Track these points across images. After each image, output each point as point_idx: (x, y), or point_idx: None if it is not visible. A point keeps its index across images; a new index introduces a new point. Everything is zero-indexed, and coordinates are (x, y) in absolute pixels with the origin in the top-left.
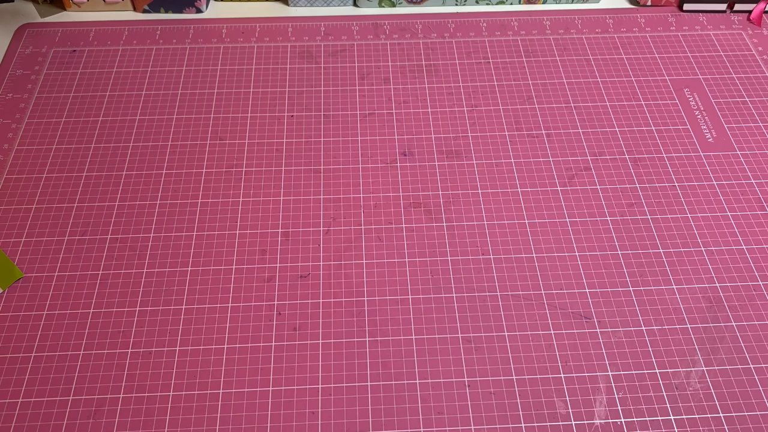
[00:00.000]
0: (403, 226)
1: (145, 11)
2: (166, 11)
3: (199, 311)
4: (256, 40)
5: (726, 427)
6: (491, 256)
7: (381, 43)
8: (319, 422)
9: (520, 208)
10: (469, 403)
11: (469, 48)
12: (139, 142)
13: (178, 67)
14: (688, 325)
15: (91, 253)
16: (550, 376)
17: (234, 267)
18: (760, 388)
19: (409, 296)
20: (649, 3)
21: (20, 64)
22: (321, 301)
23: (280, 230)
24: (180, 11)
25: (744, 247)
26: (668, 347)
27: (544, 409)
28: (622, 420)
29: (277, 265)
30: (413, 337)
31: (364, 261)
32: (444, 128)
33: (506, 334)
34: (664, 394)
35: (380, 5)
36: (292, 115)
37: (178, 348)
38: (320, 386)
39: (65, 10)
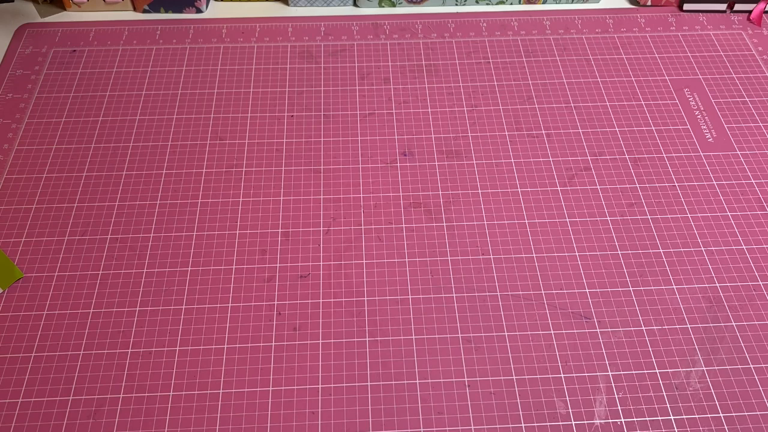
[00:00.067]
0: (403, 226)
1: (145, 11)
2: (166, 11)
3: (199, 311)
4: (256, 40)
5: (726, 427)
6: (491, 256)
7: (381, 43)
8: (319, 422)
9: (520, 208)
10: (469, 403)
11: (469, 48)
12: (139, 142)
13: (178, 67)
14: (688, 325)
15: (91, 253)
16: (550, 376)
17: (234, 267)
18: (760, 388)
19: (409, 296)
20: (649, 3)
21: (20, 64)
22: (321, 301)
23: (280, 230)
24: (180, 11)
25: (744, 247)
26: (668, 347)
27: (544, 409)
28: (622, 420)
29: (277, 265)
30: (413, 337)
31: (364, 261)
32: (444, 128)
33: (506, 334)
34: (664, 394)
35: (380, 5)
36: (292, 115)
37: (178, 348)
38: (320, 386)
39: (65, 10)
